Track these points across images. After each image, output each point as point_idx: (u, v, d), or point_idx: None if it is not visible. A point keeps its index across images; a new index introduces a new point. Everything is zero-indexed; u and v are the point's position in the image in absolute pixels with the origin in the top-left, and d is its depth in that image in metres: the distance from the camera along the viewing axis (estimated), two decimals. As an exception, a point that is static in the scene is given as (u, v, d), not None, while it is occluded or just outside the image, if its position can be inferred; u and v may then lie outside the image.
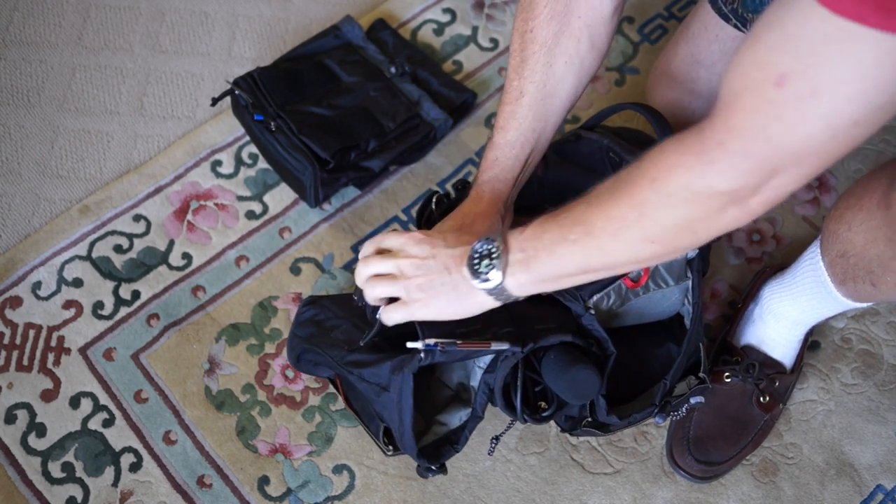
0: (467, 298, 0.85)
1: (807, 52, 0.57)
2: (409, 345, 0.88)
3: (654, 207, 0.70)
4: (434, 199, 1.07)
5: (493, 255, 0.81)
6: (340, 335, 1.03)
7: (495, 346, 0.90)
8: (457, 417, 1.00)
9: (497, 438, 1.00)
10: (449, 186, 1.28)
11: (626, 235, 0.73)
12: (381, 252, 0.89)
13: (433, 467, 0.97)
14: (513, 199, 1.01)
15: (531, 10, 0.92)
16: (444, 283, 0.85)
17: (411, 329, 0.91)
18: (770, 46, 0.60)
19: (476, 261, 0.82)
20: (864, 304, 0.99)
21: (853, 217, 0.87)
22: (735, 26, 1.08)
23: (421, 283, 0.85)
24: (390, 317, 0.88)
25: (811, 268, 1.00)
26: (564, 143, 1.11)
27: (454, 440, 0.99)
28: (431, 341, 0.87)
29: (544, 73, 0.93)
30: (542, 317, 0.95)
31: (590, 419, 0.97)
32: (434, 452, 0.98)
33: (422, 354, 0.88)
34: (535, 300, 0.90)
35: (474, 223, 0.97)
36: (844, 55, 0.56)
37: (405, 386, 0.90)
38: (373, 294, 0.89)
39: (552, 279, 0.81)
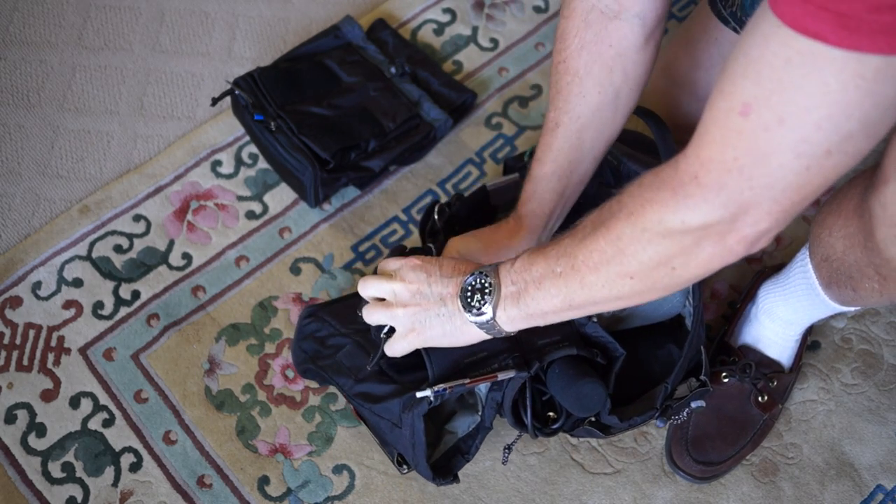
0: (460, 331, 0.84)
1: (769, 78, 0.56)
2: (419, 395, 0.88)
3: (629, 242, 0.70)
4: (436, 210, 1.07)
5: (486, 290, 0.80)
6: (345, 359, 1.03)
7: (502, 375, 0.90)
8: (465, 424, 1.01)
9: (509, 448, 1.00)
10: (450, 187, 1.28)
11: (605, 270, 0.73)
12: (384, 273, 0.89)
13: (447, 480, 0.98)
14: (552, 230, 1.00)
15: (563, 40, 0.91)
16: (440, 315, 0.84)
17: (416, 352, 0.91)
18: (734, 74, 0.58)
19: (468, 294, 0.82)
20: (852, 308, 0.99)
21: (833, 222, 0.87)
22: (734, 29, 1.08)
23: (415, 312, 0.85)
24: (392, 349, 0.88)
25: (802, 270, 1.01)
26: None
27: (464, 450, 1.00)
28: (440, 387, 0.87)
29: (578, 103, 0.92)
30: (546, 330, 0.94)
31: (592, 419, 0.97)
32: (446, 465, 0.99)
33: (431, 398, 0.88)
34: None
35: (503, 251, 0.97)
36: (808, 79, 0.54)
37: (416, 427, 0.90)
38: (369, 320, 0.89)
39: (541, 315, 0.80)
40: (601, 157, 0.98)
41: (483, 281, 0.81)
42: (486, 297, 0.80)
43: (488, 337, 0.85)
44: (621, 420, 0.94)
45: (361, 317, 0.93)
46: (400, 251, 0.99)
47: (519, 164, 1.14)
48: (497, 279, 0.80)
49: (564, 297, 0.76)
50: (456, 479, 0.99)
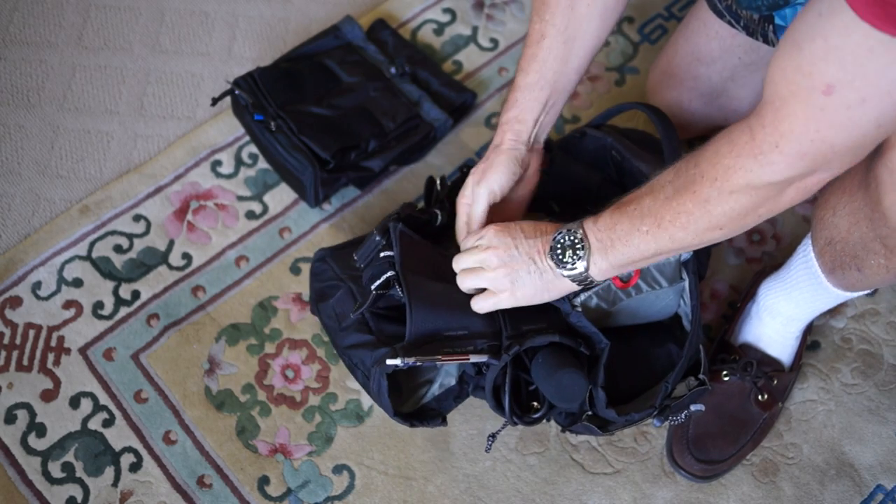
0: (551, 285, 0.91)
1: (852, 64, 0.60)
2: (389, 362, 0.90)
3: (718, 203, 0.76)
4: (439, 181, 1.09)
5: (577, 247, 0.87)
6: (336, 304, 1.05)
7: (474, 358, 0.92)
8: (455, 366, 1.04)
9: (494, 436, 1.01)
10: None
11: (694, 226, 0.80)
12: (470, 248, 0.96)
13: (434, 422, 1.00)
14: (537, 140, 1.02)
15: None
16: (531, 273, 0.90)
17: (400, 305, 0.94)
18: (814, 56, 0.63)
19: (559, 252, 0.88)
20: (855, 294, 1.00)
21: (837, 201, 0.89)
22: (729, 23, 1.08)
23: (506, 273, 0.91)
24: (479, 306, 0.94)
25: (803, 260, 1.01)
26: (570, 140, 1.12)
27: (457, 393, 1.03)
28: (411, 360, 0.90)
29: (565, 15, 0.94)
30: (533, 316, 0.96)
31: (589, 412, 0.97)
32: (438, 407, 1.03)
33: (400, 365, 0.90)
34: None
35: (494, 171, 0.99)
36: (890, 67, 0.59)
37: (381, 385, 0.93)
38: (462, 286, 0.95)
39: (629, 264, 0.87)
40: (586, 68, 1.00)
41: (572, 238, 0.88)
42: (577, 252, 0.87)
43: (577, 288, 0.91)
44: (619, 414, 0.95)
45: (356, 261, 0.99)
46: (409, 209, 1.04)
47: None
48: (585, 235, 0.87)
49: (654, 250, 0.84)
50: (444, 421, 1.02)
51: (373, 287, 0.96)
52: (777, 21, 1.00)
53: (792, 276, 1.04)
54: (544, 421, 1.00)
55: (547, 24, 0.95)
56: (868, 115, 0.63)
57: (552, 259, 0.89)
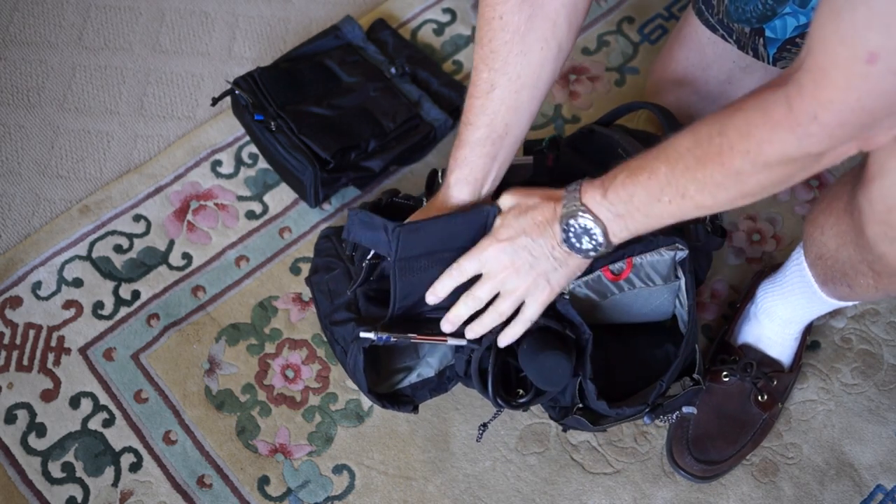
0: (579, 265, 0.90)
1: None
2: (362, 335, 0.91)
3: (751, 174, 0.73)
4: (440, 173, 1.09)
5: (592, 232, 0.84)
6: (330, 281, 1.06)
7: (452, 341, 0.93)
8: (437, 358, 1.05)
9: (485, 425, 1.02)
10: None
11: (724, 195, 0.76)
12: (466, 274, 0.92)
13: (404, 408, 1.02)
14: (488, 193, 0.98)
15: None
16: (556, 269, 0.89)
17: (388, 289, 0.95)
18: (856, 24, 0.60)
19: (574, 240, 0.86)
20: (850, 303, 1.00)
21: (825, 221, 0.88)
22: (722, 37, 1.08)
23: (535, 280, 0.89)
24: (533, 313, 0.92)
25: (798, 268, 1.01)
26: (578, 135, 1.12)
27: (434, 386, 1.04)
28: (384, 335, 0.91)
29: (518, 63, 0.88)
30: None
31: (580, 405, 0.97)
32: (412, 394, 1.04)
33: (374, 339, 0.91)
34: None
35: None
36: None
37: (357, 360, 0.94)
38: (487, 324, 0.92)
39: (647, 230, 0.84)
40: (536, 113, 0.95)
41: (583, 223, 0.84)
42: (594, 236, 0.84)
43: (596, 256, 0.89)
44: (609, 408, 0.95)
45: (344, 247, 1.00)
46: (393, 194, 1.04)
47: (536, 148, 1.13)
48: (595, 215, 0.84)
49: (676, 216, 0.81)
50: (415, 409, 1.02)
51: (367, 260, 0.96)
52: (768, 34, 1.00)
53: (787, 281, 1.04)
54: (552, 424, 1.01)
55: (497, 72, 0.88)
56: None
57: (572, 250, 0.87)
